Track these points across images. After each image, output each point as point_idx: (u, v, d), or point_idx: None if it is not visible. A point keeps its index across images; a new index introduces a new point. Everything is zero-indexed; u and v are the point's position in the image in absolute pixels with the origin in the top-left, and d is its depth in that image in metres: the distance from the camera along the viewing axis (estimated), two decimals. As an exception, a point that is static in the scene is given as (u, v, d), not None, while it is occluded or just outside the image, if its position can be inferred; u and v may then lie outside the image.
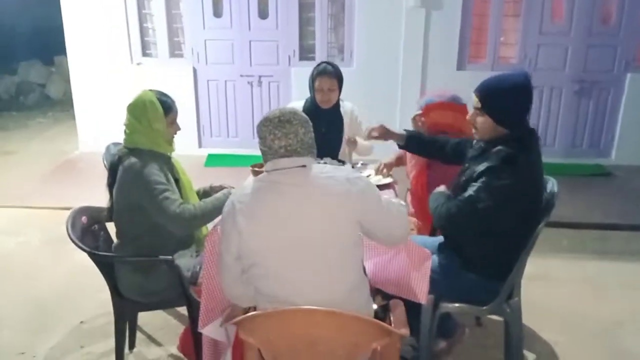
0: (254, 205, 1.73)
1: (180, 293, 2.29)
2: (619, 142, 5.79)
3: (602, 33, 5.55)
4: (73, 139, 6.41)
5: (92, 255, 2.27)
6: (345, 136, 3.23)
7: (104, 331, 2.78)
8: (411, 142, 2.62)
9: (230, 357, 2.10)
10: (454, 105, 2.81)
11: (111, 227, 2.51)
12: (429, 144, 2.61)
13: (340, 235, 1.72)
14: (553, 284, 3.40)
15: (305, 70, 5.75)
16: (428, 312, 2.26)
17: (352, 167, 3.03)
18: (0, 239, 4.05)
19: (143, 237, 2.32)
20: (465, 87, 5.33)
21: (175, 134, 2.46)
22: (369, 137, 2.72)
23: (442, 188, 2.30)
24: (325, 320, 1.59)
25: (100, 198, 2.47)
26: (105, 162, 2.88)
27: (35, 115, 8.83)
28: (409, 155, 2.90)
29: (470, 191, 2.09)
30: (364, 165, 3.06)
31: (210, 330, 2.15)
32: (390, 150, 3.05)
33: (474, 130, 2.20)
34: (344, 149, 3.29)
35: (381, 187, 2.61)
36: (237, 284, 1.82)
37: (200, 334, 2.17)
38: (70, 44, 6.00)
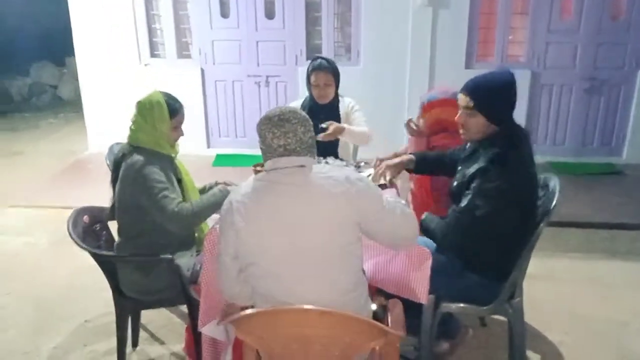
0: (252, 204, 1.72)
1: (180, 292, 2.30)
2: (630, 140, 5.71)
3: (611, 30, 5.46)
4: (83, 140, 6.46)
5: (93, 254, 2.28)
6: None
7: (107, 330, 2.79)
8: (421, 164, 2.58)
9: (231, 356, 2.10)
10: (456, 101, 2.79)
11: (113, 226, 2.53)
12: (435, 161, 2.55)
13: (338, 236, 1.70)
14: (559, 283, 3.36)
15: (311, 70, 5.79)
16: (429, 312, 2.24)
17: (356, 166, 3.01)
18: (8, 239, 4.09)
19: (144, 235, 2.33)
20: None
21: (178, 139, 2.47)
22: (379, 180, 2.62)
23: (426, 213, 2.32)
24: (318, 320, 1.58)
25: (107, 198, 2.48)
26: (108, 161, 2.90)
27: (46, 116, 8.92)
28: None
29: (465, 201, 2.08)
30: (367, 164, 3.04)
31: (209, 330, 2.15)
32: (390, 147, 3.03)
33: (462, 132, 2.18)
34: (346, 146, 3.27)
35: (382, 186, 2.59)
36: (234, 283, 1.82)
37: (201, 333, 2.18)
38: (79, 45, 6.05)
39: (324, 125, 3.01)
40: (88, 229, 2.45)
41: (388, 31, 5.59)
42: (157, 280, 2.31)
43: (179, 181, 2.46)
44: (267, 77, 5.86)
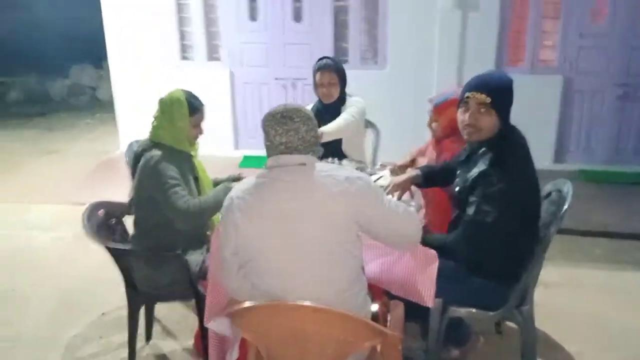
0: (252, 200, 1.74)
1: (188, 287, 2.33)
2: (665, 148, 5.52)
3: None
4: (115, 140, 6.61)
5: (106, 248, 2.34)
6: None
7: (122, 323, 2.80)
8: (428, 178, 2.53)
9: (238, 353, 2.12)
10: None
11: (128, 220, 2.59)
12: (443, 172, 2.50)
13: (336, 235, 1.71)
14: (582, 293, 3.26)
15: (338, 73, 5.80)
16: (436, 316, 2.22)
17: (372, 167, 3.01)
18: (37, 234, 4.23)
19: (158, 229, 2.38)
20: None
21: (197, 137, 2.52)
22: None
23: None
24: (312, 316, 1.59)
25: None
26: (127, 158, 2.97)
27: (83, 117, 9.18)
28: (427, 159, 2.85)
29: (472, 209, 2.05)
30: (383, 166, 3.03)
31: (215, 325, 2.17)
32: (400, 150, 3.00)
33: (471, 131, 2.13)
34: (352, 142, 3.24)
35: None
36: (234, 278, 1.84)
37: (208, 328, 2.20)
38: (112, 48, 6.21)
39: None
40: (103, 223, 2.51)
41: (415, 35, 5.55)
42: (167, 274, 2.36)
43: (196, 179, 2.50)
44: (294, 79, 5.89)
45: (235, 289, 1.86)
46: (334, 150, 2.99)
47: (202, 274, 2.36)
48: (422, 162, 2.87)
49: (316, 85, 3.21)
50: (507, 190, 1.99)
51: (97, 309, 3.09)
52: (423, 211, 2.53)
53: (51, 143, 7.30)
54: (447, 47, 5.48)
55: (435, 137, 2.76)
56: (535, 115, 5.46)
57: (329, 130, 2.95)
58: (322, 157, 2.88)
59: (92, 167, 5.95)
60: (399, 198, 2.45)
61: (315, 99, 3.35)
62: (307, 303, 1.58)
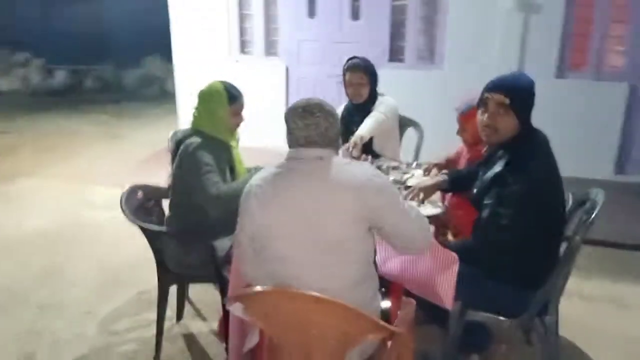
0: (268, 189, 1.78)
1: (214, 270, 2.42)
2: None
3: None
4: (175, 129, 6.89)
5: (140, 227, 2.46)
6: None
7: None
8: (455, 182, 2.51)
9: (257, 337, 2.17)
10: None
11: (166, 203, 2.71)
12: (469, 176, 2.44)
13: (346, 228, 1.72)
14: (624, 311, 3.11)
15: (393, 72, 5.77)
16: (455, 319, 2.19)
17: (406, 166, 2.99)
18: (95, 213, 4.48)
19: (190, 214, 2.47)
20: (564, 95, 5.07)
21: (239, 125, 2.61)
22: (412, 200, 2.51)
23: None
24: (315, 306, 1.60)
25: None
26: (170, 144, 3.09)
27: (150, 106, 9.60)
28: (462, 162, 2.81)
29: (487, 211, 2.02)
30: (419, 165, 3.01)
31: (236, 309, 2.24)
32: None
33: (489, 132, 2.09)
34: (382, 140, 3.23)
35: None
36: (249, 263, 1.89)
37: (230, 312, 2.27)
38: (176, 41, 6.48)
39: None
40: (142, 205, 2.64)
41: (474, 36, 5.44)
42: (195, 257, 2.45)
43: (232, 170, 2.59)
44: (348, 77, 5.90)
45: (250, 274, 1.91)
46: (364, 149, 3.00)
47: (228, 258, 2.43)
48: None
49: (345, 85, 3.22)
50: (523, 193, 1.95)
51: (137, 287, 3.25)
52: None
53: (117, 129, 7.70)
54: (506, 49, 5.33)
55: (466, 144, 2.72)
56: (596, 123, 5.25)
57: (364, 132, 2.99)
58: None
59: (150, 154, 6.23)
60: (423, 201, 2.43)
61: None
62: (310, 292, 1.61)
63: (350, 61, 3.21)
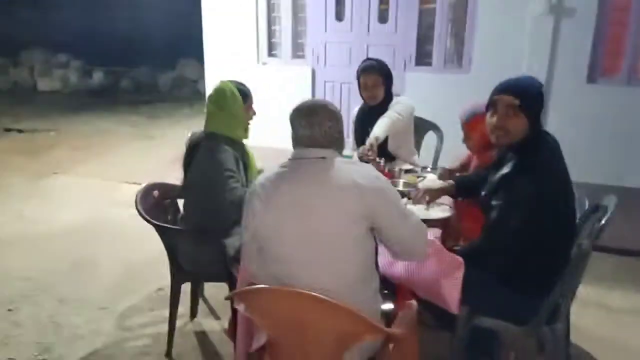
0: (271, 188, 1.80)
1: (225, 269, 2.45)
2: None
3: None
4: (205, 130, 7.02)
5: (153, 225, 2.51)
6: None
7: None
8: (461, 188, 2.48)
9: (265, 336, 2.19)
10: None
11: (182, 202, 2.77)
12: (476, 181, 2.40)
13: (346, 228, 1.72)
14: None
15: (420, 75, 5.75)
16: (461, 324, 2.16)
17: (421, 170, 2.97)
18: (121, 211, 4.59)
19: (203, 213, 2.51)
20: (596, 100, 4.94)
21: (252, 119, 2.66)
22: (420, 202, 2.48)
23: None
24: (311, 305, 1.61)
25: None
26: (185, 146, 3.16)
27: (183, 107, 9.79)
28: (472, 168, 2.77)
29: (494, 214, 2.00)
30: (434, 169, 2.98)
31: (241, 306, 2.27)
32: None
33: (500, 134, 2.06)
34: (397, 141, 3.21)
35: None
36: (254, 262, 1.91)
37: (238, 312, 2.30)
38: (208, 43, 6.59)
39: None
40: (158, 203, 2.71)
41: (504, 39, 5.35)
42: (206, 255, 2.49)
43: (245, 168, 2.63)
44: (375, 80, 5.89)
45: (254, 273, 1.93)
46: (378, 150, 2.97)
47: (238, 257, 2.45)
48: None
49: (360, 87, 3.22)
50: (531, 194, 1.92)
51: (156, 284, 3.32)
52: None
53: (150, 129, 7.89)
54: (536, 53, 5.24)
55: (472, 152, 2.69)
56: (629, 129, 5.09)
57: (379, 132, 2.96)
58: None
59: (180, 153, 6.30)
60: (428, 203, 2.41)
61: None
62: (306, 292, 1.62)
63: (364, 63, 3.20)
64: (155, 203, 2.68)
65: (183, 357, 2.67)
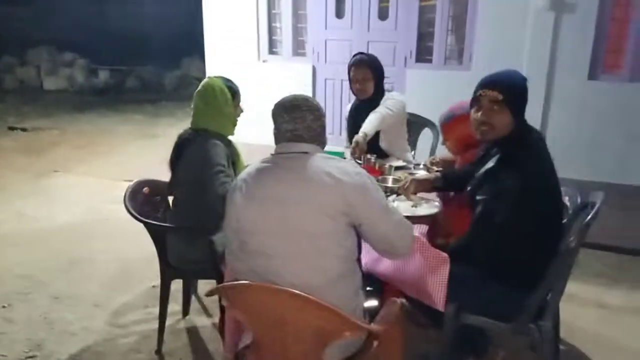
0: (252, 182, 1.79)
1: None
2: None
3: None
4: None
5: (141, 222, 2.51)
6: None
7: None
8: (449, 180, 2.47)
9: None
10: None
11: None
12: (465, 175, 2.37)
13: (326, 224, 1.71)
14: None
15: (420, 72, 5.73)
16: (449, 321, 2.14)
17: (414, 167, 2.95)
18: (117, 208, 4.51)
19: (193, 209, 2.51)
20: (598, 97, 4.89)
21: (239, 116, 2.67)
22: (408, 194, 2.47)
23: None
24: (289, 302, 1.60)
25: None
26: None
27: (187, 106, 9.74)
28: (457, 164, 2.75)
29: (479, 209, 1.99)
30: (425, 166, 2.95)
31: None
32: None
33: (484, 129, 2.05)
34: (389, 137, 3.18)
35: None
36: (234, 256, 1.90)
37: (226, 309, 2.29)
38: (208, 42, 6.60)
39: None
40: (148, 199, 2.70)
41: (504, 36, 5.31)
42: (194, 251, 2.48)
43: (233, 163, 2.62)
44: (375, 77, 5.87)
45: (236, 268, 1.92)
46: (370, 147, 2.95)
47: (226, 254, 2.46)
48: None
49: (351, 81, 3.21)
50: (515, 187, 1.92)
51: (150, 281, 3.32)
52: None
53: (154, 128, 7.91)
54: (537, 49, 5.20)
55: (453, 154, 2.67)
56: (632, 126, 5.04)
57: (367, 129, 2.93)
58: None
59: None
60: (414, 193, 2.40)
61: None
62: (284, 288, 1.61)
63: (355, 57, 3.19)
64: (145, 200, 2.68)
65: (174, 354, 2.67)
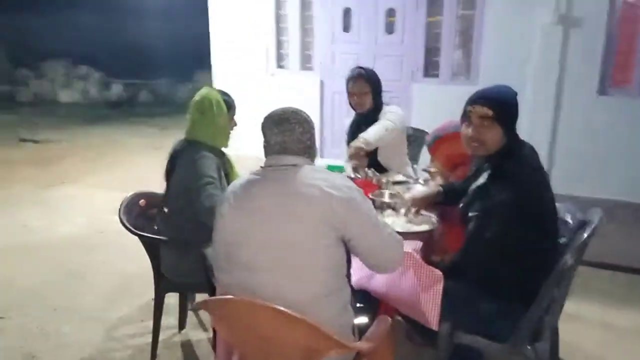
0: (240, 195, 1.77)
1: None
2: None
3: None
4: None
5: (136, 234, 2.50)
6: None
7: (165, 310, 3.02)
8: (450, 195, 2.41)
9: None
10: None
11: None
12: (465, 189, 2.30)
13: (313, 238, 1.68)
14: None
15: (427, 87, 5.70)
16: (443, 340, 2.09)
17: (413, 181, 2.91)
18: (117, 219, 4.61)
19: (186, 221, 2.49)
20: (608, 112, 4.83)
21: (232, 129, 2.67)
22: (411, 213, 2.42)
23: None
24: (273, 318, 1.57)
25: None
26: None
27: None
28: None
29: (470, 225, 1.96)
30: (426, 181, 2.91)
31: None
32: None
33: (475, 146, 2.01)
34: (389, 152, 3.16)
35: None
36: (222, 270, 1.87)
37: (218, 322, 2.27)
38: (215, 56, 6.65)
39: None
40: (144, 212, 2.69)
41: (512, 51, 5.28)
42: (187, 264, 2.46)
43: (227, 175, 2.61)
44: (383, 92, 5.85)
45: (222, 281, 1.89)
46: (368, 161, 2.92)
47: (219, 268, 2.43)
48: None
49: (349, 95, 3.19)
50: (506, 203, 1.88)
51: (148, 295, 3.28)
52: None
53: (161, 140, 7.96)
54: (545, 64, 5.16)
55: (444, 175, 2.63)
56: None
57: (370, 136, 2.89)
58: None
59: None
60: (418, 212, 2.35)
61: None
62: (270, 304, 1.58)
63: (352, 71, 3.18)
64: (141, 212, 2.67)
65: (167, 368, 2.65)
